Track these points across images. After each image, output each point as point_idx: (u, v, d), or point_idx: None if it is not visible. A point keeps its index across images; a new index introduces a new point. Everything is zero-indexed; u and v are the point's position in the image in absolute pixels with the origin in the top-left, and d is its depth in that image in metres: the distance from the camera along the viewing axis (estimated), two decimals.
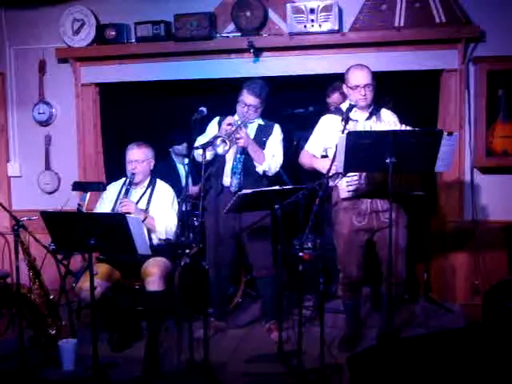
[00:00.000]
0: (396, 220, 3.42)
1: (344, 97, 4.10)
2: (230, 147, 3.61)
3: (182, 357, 3.40)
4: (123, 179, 4.00)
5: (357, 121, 3.47)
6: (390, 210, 3.20)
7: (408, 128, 3.41)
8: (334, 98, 4.30)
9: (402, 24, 4.32)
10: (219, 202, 3.85)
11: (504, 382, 2.83)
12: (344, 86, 3.57)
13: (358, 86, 3.46)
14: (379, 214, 3.52)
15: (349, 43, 4.40)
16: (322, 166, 3.49)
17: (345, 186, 3.47)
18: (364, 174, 3.42)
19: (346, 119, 3.38)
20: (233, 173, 3.84)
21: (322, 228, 4.29)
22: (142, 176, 3.91)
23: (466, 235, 4.43)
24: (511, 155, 4.27)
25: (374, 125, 3.45)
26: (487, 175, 4.42)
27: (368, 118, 3.51)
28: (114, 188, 3.98)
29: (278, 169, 3.89)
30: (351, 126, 3.40)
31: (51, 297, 3.75)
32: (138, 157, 3.87)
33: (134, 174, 3.85)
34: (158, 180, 4.01)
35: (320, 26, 4.34)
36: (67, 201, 4.01)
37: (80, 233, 3.09)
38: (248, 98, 3.77)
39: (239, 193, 3.44)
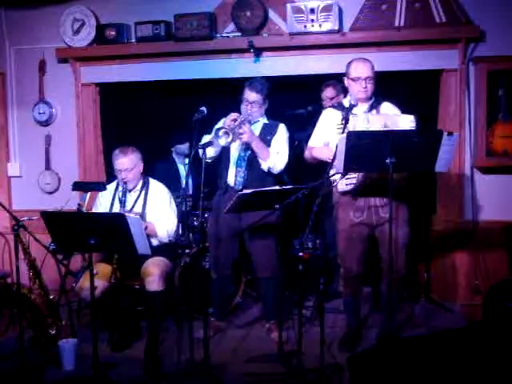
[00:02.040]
0: (396, 216, 3.41)
1: (338, 92, 4.13)
2: (232, 140, 3.59)
3: (182, 357, 3.40)
4: (115, 183, 3.97)
5: (356, 115, 3.46)
6: (390, 211, 3.19)
7: (407, 116, 3.41)
8: (328, 91, 4.32)
9: (402, 24, 4.32)
10: (223, 201, 3.83)
11: (504, 381, 2.83)
12: (345, 79, 3.59)
13: (359, 78, 3.48)
14: (378, 208, 3.53)
15: (349, 43, 4.40)
16: (320, 152, 3.56)
17: (343, 180, 3.48)
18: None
19: (346, 120, 3.38)
20: (237, 171, 3.83)
21: (322, 228, 4.30)
22: (135, 182, 3.89)
23: (466, 235, 4.43)
24: (511, 155, 4.27)
25: (372, 117, 3.44)
26: (487, 175, 4.41)
27: (367, 111, 3.53)
28: (107, 193, 3.94)
29: (283, 167, 3.85)
30: (350, 121, 3.39)
31: (51, 297, 3.75)
32: (127, 165, 3.82)
33: (125, 182, 3.83)
34: (150, 180, 3.98)
35: (320, 25, 4.34)
36: (67, 201, 4.00)
37: (80, 233, 3.08)
38: (250, 95, 3.79)
39: (239, 193, 3.43)
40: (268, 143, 3.83)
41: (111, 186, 3.98)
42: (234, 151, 3.84)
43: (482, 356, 2.96)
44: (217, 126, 3.90)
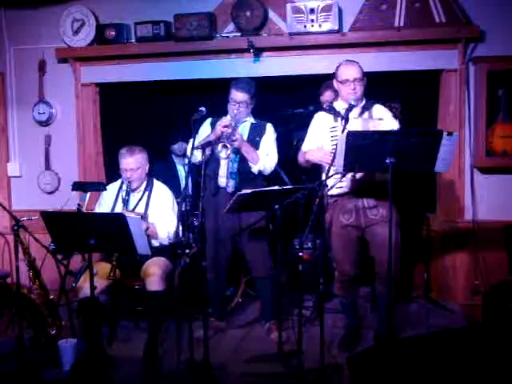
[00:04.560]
0: (386, 217, 3.40)
1: (336, 94, 4.14)
2: (231, 152, 3.63)
3: (182, 357, 3.40)
4: (119, 182, 3.98)
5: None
6: (391, 212, 3.19)
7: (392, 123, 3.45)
8: (326, 95, 4.33)
9: (402, 24, 4.32)
10: (215, 202, 3.84)
11: (504, 381, 2.83)
12: (334, 82, 3.60)
13: (347, 81, 3.49)
14: (366, 210, 3.53)
15: (349, 43, 4.40)
16: (312, 154, 3.57)
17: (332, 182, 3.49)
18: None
19: (346, 119, 3.38)
20: (229, 173, 3.83)
21: (321, 228, 4.29)
22: (139, 182, 3.89)
23: (466, 235, 4.43)
24: (511, 155, 4.27)
25: (365, 123, 3.46)
26: (487, 175, 4.42)
27: (360, 115, 3.53)
28: (111, 192, 3.95)
29: (273, 168, 3.89)
30: (339, 124, 3.44)
31: (51, 297, 3.75)
32: (133, 165, 3.82)
33: (130, 182, 3.83)
34: (154, 181, 3.98)
35: (320, 25, 4.34)
36: (67, 201, 4.00)
37: (80, 233, 3.09)
38: (237, 95, 3.80)
39: (239, 193, 3.43)
40: (257, 144, 3.84)
41: (115, 185, 4.00)
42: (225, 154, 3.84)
43: (482, 356, 2.96)
44: (202, 127, 3.91)
